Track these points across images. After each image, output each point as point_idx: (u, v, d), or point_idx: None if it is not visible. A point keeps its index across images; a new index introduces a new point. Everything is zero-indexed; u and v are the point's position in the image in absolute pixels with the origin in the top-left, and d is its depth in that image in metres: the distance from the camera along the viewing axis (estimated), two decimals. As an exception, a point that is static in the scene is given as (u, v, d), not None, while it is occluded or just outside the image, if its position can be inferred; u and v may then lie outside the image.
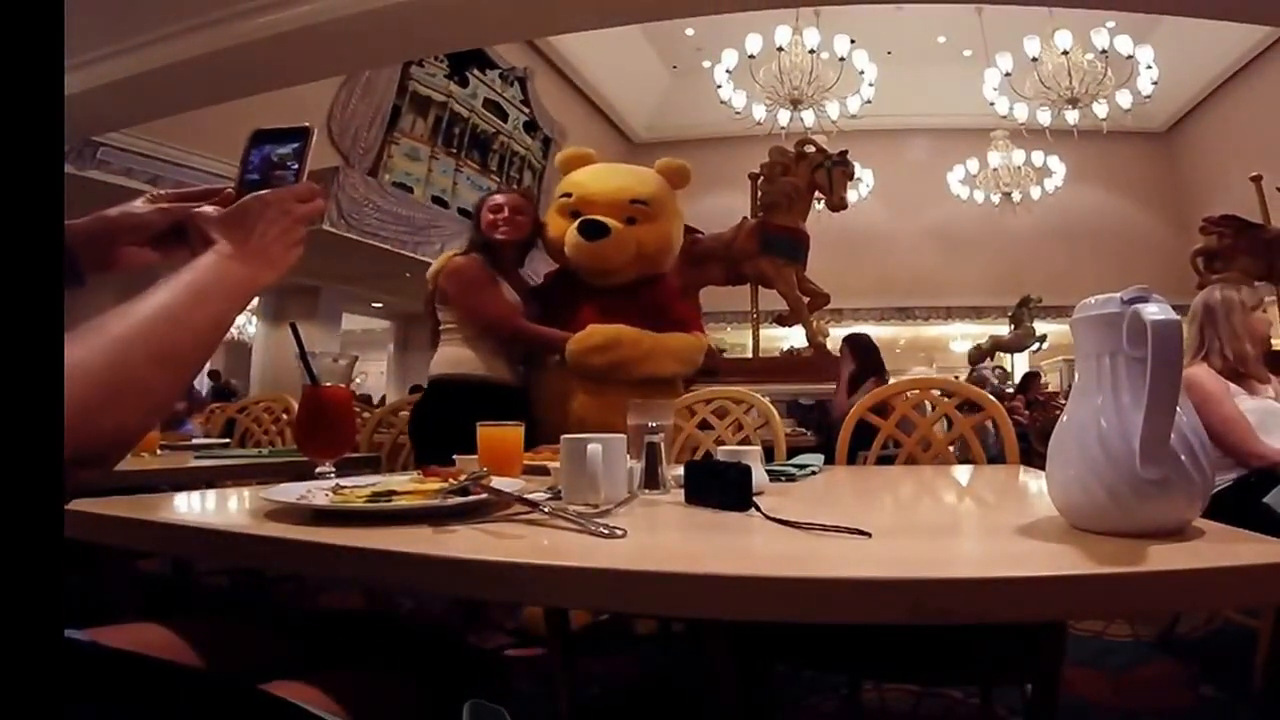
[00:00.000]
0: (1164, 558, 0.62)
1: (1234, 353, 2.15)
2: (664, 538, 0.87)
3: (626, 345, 2.26)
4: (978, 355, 8.19)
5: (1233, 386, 2.10)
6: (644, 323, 2.33)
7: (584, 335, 2.25)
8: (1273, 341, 2.26)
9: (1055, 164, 9.64)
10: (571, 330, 2.29)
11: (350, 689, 0.70)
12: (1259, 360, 2.18)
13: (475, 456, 1.26)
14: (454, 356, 2.32)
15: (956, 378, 3.19)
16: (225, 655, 0.77)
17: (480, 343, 2.32)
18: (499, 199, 2.41)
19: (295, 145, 0.76)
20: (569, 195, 2.39)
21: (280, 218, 0.71)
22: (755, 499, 0.89)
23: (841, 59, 7.59)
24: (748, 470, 0.91)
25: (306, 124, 0.77)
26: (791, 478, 1.29)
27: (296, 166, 0.75)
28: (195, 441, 2.46)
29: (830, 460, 1.74)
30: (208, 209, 0.71)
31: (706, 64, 9.30)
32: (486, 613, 2.32)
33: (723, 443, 1.99)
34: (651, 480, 1.09)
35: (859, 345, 4.73)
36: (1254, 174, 6.03)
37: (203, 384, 10.60)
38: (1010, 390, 7.34)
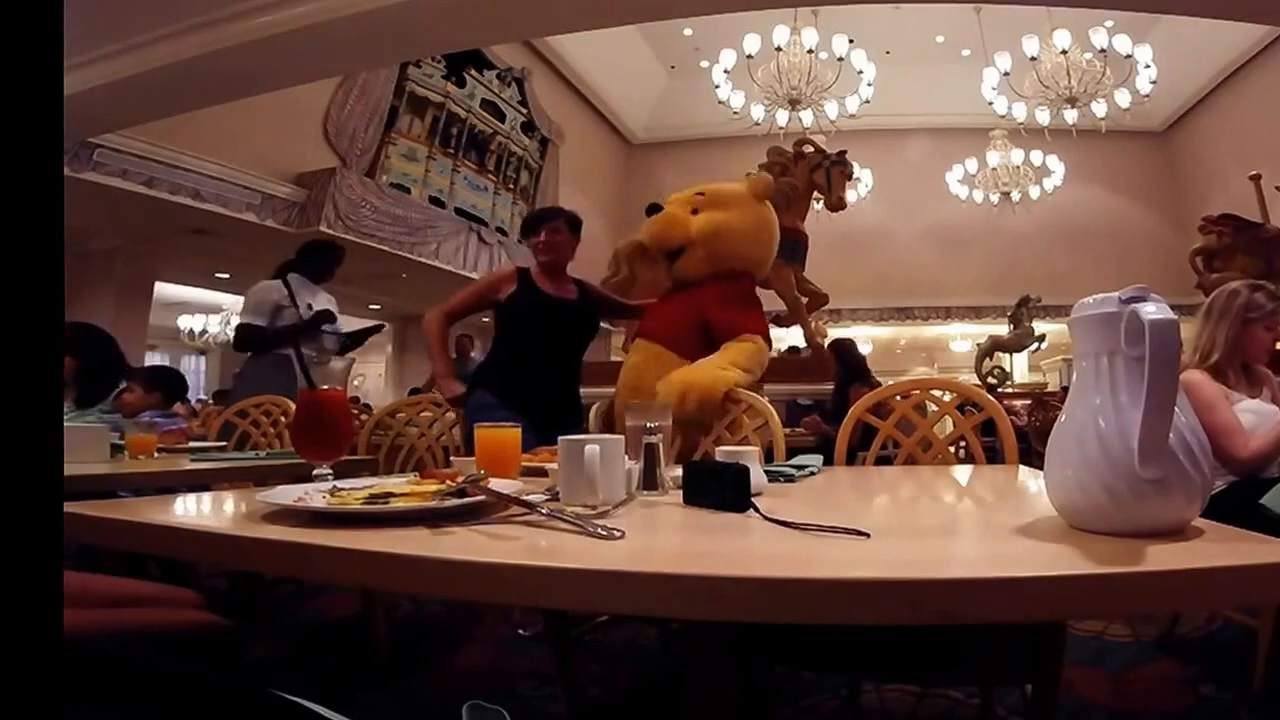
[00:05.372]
0: (1163, 558, 0.62)
1: (1215, 358, 2.08)
2: (662, 539, 0.86)
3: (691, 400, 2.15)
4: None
5: (1232, 393, 2.06)
6: (695, 327, 2.42)
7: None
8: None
9: (1054, 163, 9.64)
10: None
11: None
12: (1240, 370, 2.11)
13: (473, 458, 1.26)
14: None
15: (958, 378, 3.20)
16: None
17: None
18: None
19: None
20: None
21: None
22: (754, 500, 0.88)
23: (840, 59, 7.59)
24: (746, 471, 0.90)
25: None
26: (790, 478, 1.29)
27: None
28: (193, 444, 2.46)
29: (829, 461, 1.73)
30: None
31: (704, 64, 9.28)
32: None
33: (721, 443, 1.99)
34: (650, 481, 1.09)
35: (840, 350, 4.73)
36: (1253, 173, 6.03)
37: (196, 389, 10.58)
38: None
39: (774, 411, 2.00)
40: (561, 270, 2.62)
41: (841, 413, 1.94)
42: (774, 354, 6.11)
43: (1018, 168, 9.74)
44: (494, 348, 2.61)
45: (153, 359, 9.56)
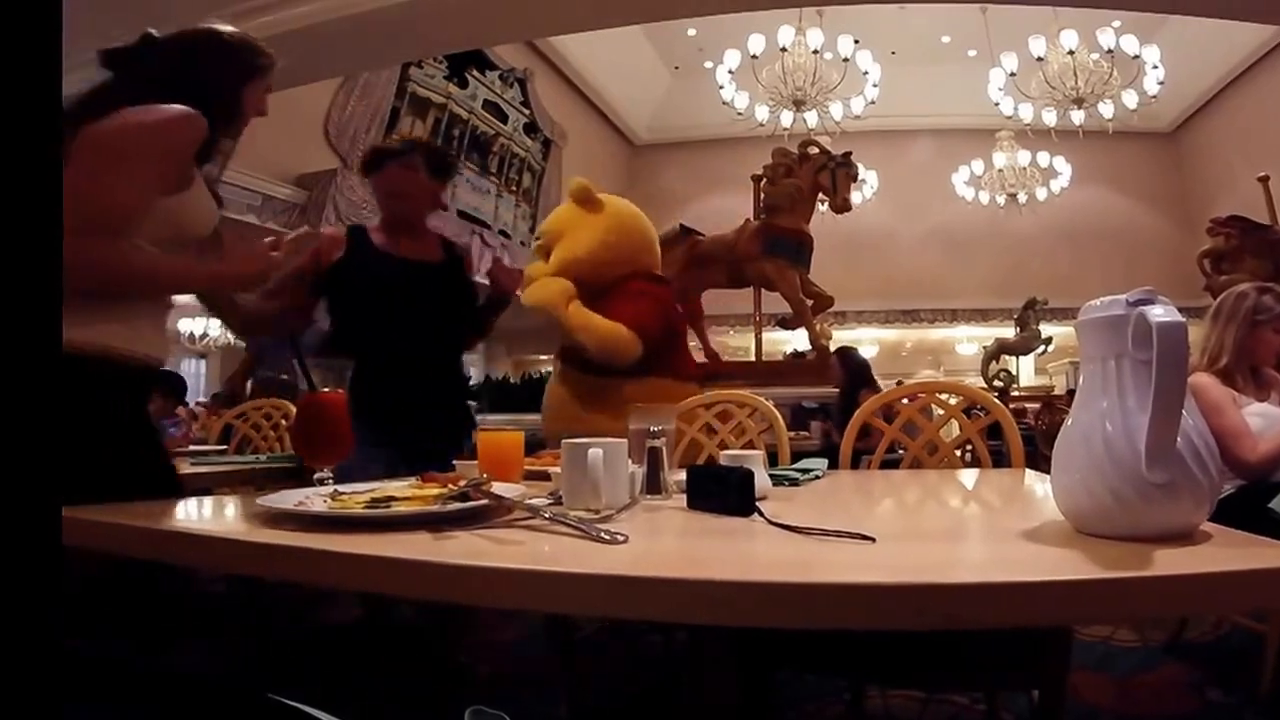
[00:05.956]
0: (1170, 562, 0.61)
1: (1223, 362, 2.07)
2: (666, 543, 0.86)
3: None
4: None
5: (1240, 397, 2.04)
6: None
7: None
8: None
9: (1061, 165, 9.59)
10: None
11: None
12: (1248, 373, 2.09)
13: (475, 462, 1.26)
14: None
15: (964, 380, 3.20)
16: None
17: None
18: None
19: None
20: None
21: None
22: (758, 504, 0.88)
23: (845, 59, 7.56)
24: (750, 475, 0.90)
25: None
26: (795, 482, 1.28)
27: None
28: (192, 448, 2.46)
29: (835, 465, 1.73)
30: None
31: (708, 64, 9.27)
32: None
33: (726, 447, 1.98)
34: (653, 485, 1.08)
35: (845, 357, 4.76)
36: (1261, 174, 6.01)
37: (196, 392, 10.56)
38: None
39: (779, 415, 2.00)
40: (418, 223, 2.06)
41: (849, 418, 1.94)
42: (778, 357, 6.12)
43: (1024, 169, 9.69)
44: (330, 333, 1.97)
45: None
